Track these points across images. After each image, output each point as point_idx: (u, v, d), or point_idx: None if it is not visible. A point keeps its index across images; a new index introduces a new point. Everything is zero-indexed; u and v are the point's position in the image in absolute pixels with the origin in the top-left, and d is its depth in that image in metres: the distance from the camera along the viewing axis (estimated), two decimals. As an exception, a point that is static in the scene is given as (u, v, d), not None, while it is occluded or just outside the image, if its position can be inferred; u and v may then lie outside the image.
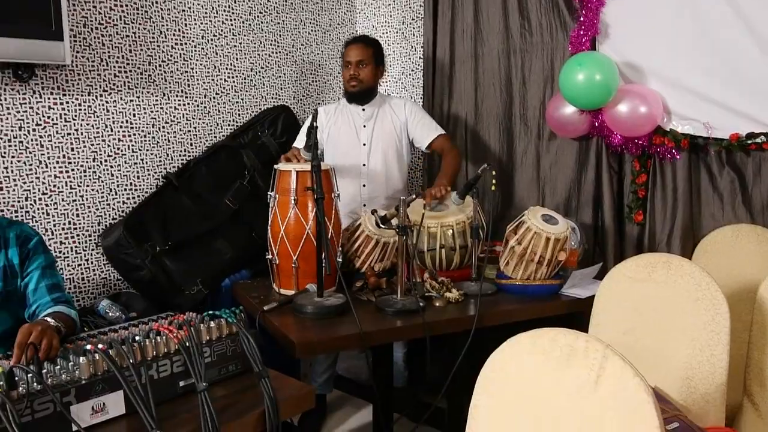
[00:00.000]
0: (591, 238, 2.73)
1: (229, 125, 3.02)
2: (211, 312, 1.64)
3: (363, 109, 2.84)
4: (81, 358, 1.35)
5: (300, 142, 2.75)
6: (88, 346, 1.39)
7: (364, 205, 2.79)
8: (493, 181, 2.26)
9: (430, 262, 2.43)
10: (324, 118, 2.84)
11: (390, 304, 2.09)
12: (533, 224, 2.23)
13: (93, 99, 2.55)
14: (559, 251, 2.23)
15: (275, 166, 2.32)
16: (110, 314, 2.33)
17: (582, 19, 2.61)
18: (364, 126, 2.84)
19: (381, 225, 2.27)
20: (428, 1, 3.21)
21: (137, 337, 1.46)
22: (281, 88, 3.25)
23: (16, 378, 1.26)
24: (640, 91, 2.50)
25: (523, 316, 2.15)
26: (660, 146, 2.49)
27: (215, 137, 2.96)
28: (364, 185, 2.84)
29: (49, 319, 1.58)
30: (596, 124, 2.59)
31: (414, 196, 2.24)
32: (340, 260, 2.33)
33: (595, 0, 2.55)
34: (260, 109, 3.12)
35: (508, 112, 3.01)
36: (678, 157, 2.49)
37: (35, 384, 1.26)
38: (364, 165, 2.82)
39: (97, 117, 2.57)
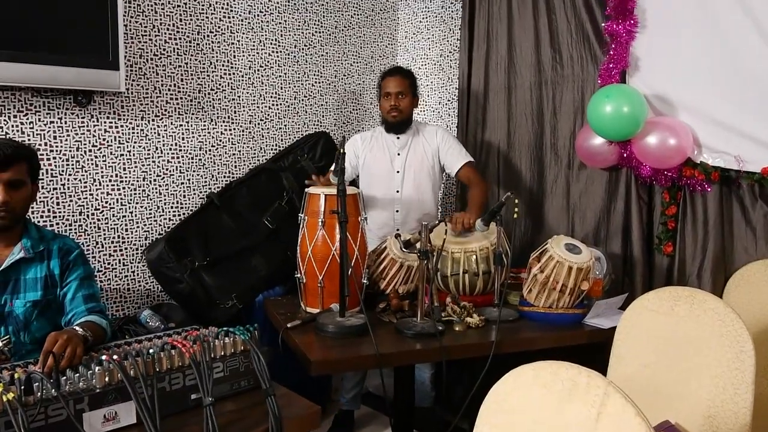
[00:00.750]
0: (620, 268, 2.64)
1: (271, 149, 3.06)
2: (226, 328, 1.64)
3: (398, 138, 2.84)
4: (96, 368, 1.36)
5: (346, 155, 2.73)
6: (104, 357, 1.40)
7: (398, 230, 2.77)
8: (516, 210, 2.22)
9: (453, 286, 2.39)
10: (360, 145, 2.85)
11: (409, 326, 2.06)
12: (556, 253, 2.18)
13: (145, 123, 2.63)
14: (582, 280, 2.17)
15: (306, 190, 2.34)
16: (150, 324, 2.37)
17: (612, 52, 2.55)
18: (398, 154, 2.84)
19: (405, 249, 2.26)
20: (464, 34, 3.20)
21: (151, 350, 1.46)
22: (323, 116, 3.28)
23: (36, 384, 1.28)
24: (669, 123, 2.41)
25: (543, 344, 2.11)
26: (690, 178, 2.40)
27: (258, 160, 3.01)
28: (397, 211, 2.83)
29: (77, 328, 1.60)
30: (625, 155, 2.52)
31: (437, 222, 2.23)
32: (366, 282, 2.32)
33: (625, 34, 2.49)
34: (302, 135, 3.15)
35: (539, 142, 2.96)
36: (709, 189, 2.39)
37: (52, 390, 1.27)
38: (397, 192, 2.82)
39: (149, 140, 2.65)
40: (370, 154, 2.84)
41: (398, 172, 2.82)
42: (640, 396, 1.63)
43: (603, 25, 2.62)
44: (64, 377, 1.34)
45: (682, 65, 2.42)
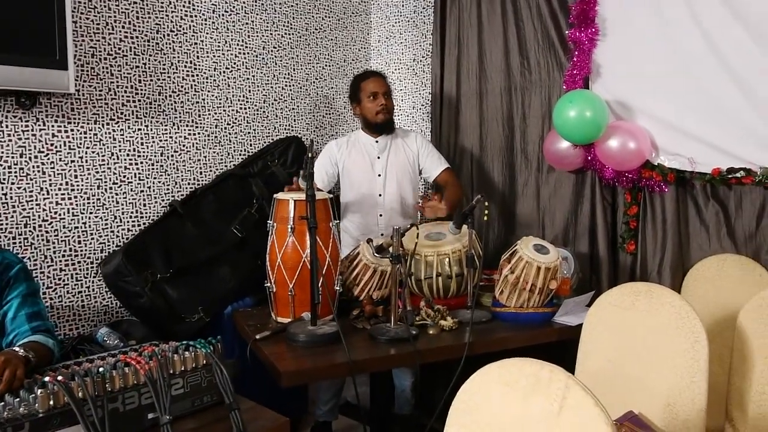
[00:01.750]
0: (587, 266, 2.80)
1: (240, 155, 3.07)
2: (186, 342, 1.65)
3: (377, 141, 2.92)
4: (39, 391, 1.33)
5: (318, 179, 2.76)
6: (47, 378, 1.37)
7: (382, 234, 2.84)
8: (486, 212, 2.31)
9: (427, 290, 2.47)
10: (336, 152, 2.91)
11: (383, 332, 2.13)
12: (525, 254, 2.29)
13: (99, 127, 2.58)
14: (551, 280, 2.28)
15: (275, 196, 2.37)
16: (108, 342, 2.29)
17: (575, 59, 2.72)
18: (378, 157, 2.92)
19: (377, 254, 2.33)
20: (437, 39, 3.33)
21: (101, 369, 1.44)
22: (294, 120, 3.32)
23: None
24: (629, 127, 2.58)
25: (516, 344, 2.21)
26: (649, 180, 2.58)
27: (226, 166, 3.02)
28: (380, 215, 2.91)
29: (17, 349, 1.58)
30: (589, 158, 2.69)
31: (408, 226, 2.30)
32: (339, 289, 2.37)
33: (587, 42, 2.67)
34: (272, 140, 3.19)
35: (510, 146, 3.12)
36: (666, 190, 2.57)
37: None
38: (380, 195, 2.90)
39: (103, 145, 2.60)
40: (349, 159, 2.91)
41: (380, 175, 2.91)
42: (606, 389, 1.81)
43: (567, 32, 2.79)
44: (2, 402, 1.32)
45: (640, 72, 2.60)
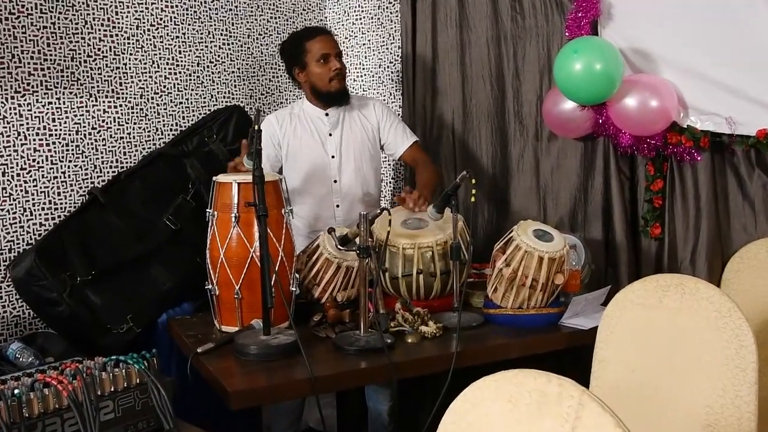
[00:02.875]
0: (601, 256, 2.76)
1: (171, 130, 3.04)
2: (115, 357, 1.63)
3: (326, 114, 2.87)
4: None
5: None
6: None
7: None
8: (473, 192, 2.28)
9: (405, 290, 2.43)
10: (278, 129, 2.85)
11: (350, 341, 2.10)
12: (523, 241, 2.24)
13: (2, 102, 2.56)
14: (556, 273, 2.24)
15: (214, 179, 2.33)
16: (21, 359, 2.28)
17: None
18: (330, 134, 2.87)
19: (341, 246, 2.27)
20: None
21: (17, 391, 1.43)
22: (234, 86, 3.28)
23: None
24: (650, 81, 2.53)
25: (514, 353, 2.19)
26: (677, 146, 2.52)
27: (154, 144, 2.99)
28: (338, 205, 2.87)
29: None
30: (600, 121, 2.63)
31: (378, 211, 2.25)
32: (295, 290, 2.34)
33: None
34: (209, 110, 3.15)
35: (500, 109, 3.07)
36: (699, 158, 2.52)
37: None
38: (335, 181, 2.86)
39: (8, 123, 2.57)
40: (294, 137, 2.86)
41: (333, 156, 2.85)
42: (628, 406, 1.79)
43: (568, -36, 2.73)
44: None
45: (664, 13, 2.53)
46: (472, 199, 2.31)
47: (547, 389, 1.22)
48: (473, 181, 2.27)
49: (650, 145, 2.56)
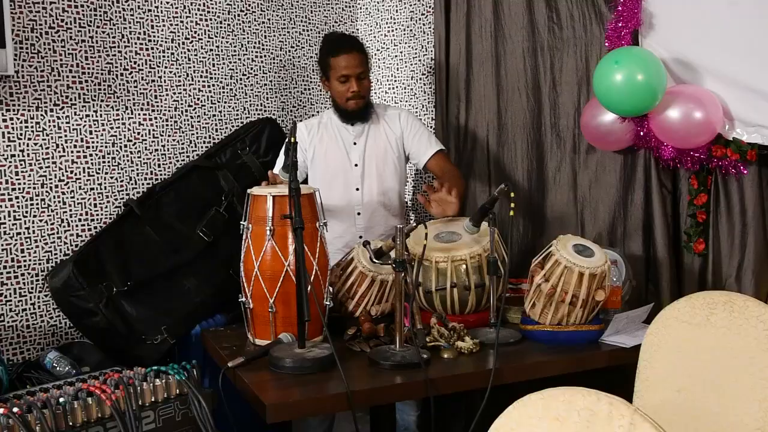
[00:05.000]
0: (642, 272, 2.70)
1: (204, 142, 3.07)
2: (156, 368, 1.64)
3: (352, 124, 2.89)
4: None
5: (280, 165, 2.79)
6: (1, 410, 1.38)
7: (360, 237, 2.81)
8: (512, 205, 2.25)
9: (439, 304, 2.42)
10: (306, 136, 2.89)
11: (385, 356, 2.08)
12: (563, 256, 2.21)
13: (42, 114, 2.62)
14: (597, 289, 2.21)
15: (249, 191, 2.34)
16: (58, 368, 2.33)
17: (620, 8, 2.62)
18: (355, 143, 2.89)
19: (376, 260, 2.27)
20: None
21: (62, 399, 1.44)
22: (267, 99, 3.31)
23: None
24: (694, 92, 2.48)
25: (553, 370, 2.16)
26: (722, 159, 2.45)
27: (188, 157, 3.02)
28: (359, 213, 2.88)
29: None
30: (641, 133, 2.58)
31: (414, 224, 2.23)
32: (329, 303, 2.34)
33: None
34: (242, 123, 3.17)
35: (536, 122, 3.02)
36: (745, 172, 2.45)
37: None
38: (357, 189, 2.87)
39: (47, 135, 2.64)
40: (320, 145, 2.88)
41: (356, 165, 2.87)
42: (674, 426, 1.80)
43: (608, -27, 2.70)
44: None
45: (709, 22, 2.48)
46: (511, 213, 2.27)
47: (597, 408, 1.20)
48: (512, 194, 2.25)
49: (694, 158, 2.51)
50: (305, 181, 2.94)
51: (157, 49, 2.90)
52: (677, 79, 2.55)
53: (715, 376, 1.85)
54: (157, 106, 2.91)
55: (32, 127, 2.58)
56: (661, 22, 2.59)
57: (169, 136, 2.95)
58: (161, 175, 2.93)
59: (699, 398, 1.86)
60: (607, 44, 2.67)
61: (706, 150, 2.47)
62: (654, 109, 2.48)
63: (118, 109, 2.80)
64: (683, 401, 1.89)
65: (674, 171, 2.66)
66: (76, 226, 2.70)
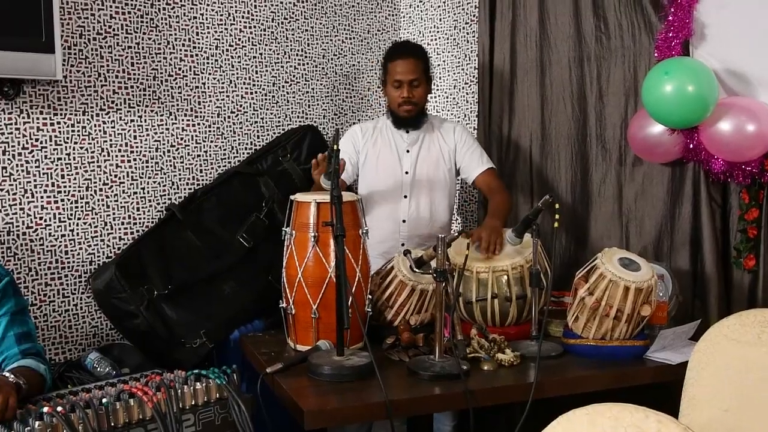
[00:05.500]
0: (689, 288, 2.68)
1: (246, 149, 3.10)
2: (197, 371, 1.66)
3: (407, 132, 2.91)
4: (36, 423, 1.37)
5: (344, 151, 2.74)
6: (46, 409, 1.40)
7: (403, 245, 2.81)
8: (556, 216, 2.23)
9: (479, 315, 2.43)
10: (361, 139, 2.91)
11: (425, 366, 2.09)
12: (608, 270, 2.21)
13: (88, 119, 2.66)
14: (643, 304, 2.21)
15: (292, 197, 2.35)
16: (99, 369, 2.35)
17: (671, 18, 2.60)
18: (408, 151, 2.89)
19: (416, 269, 2.27)
20: (484, 1, 3.26)
21: (104, 400, 1.47)
22: (309, 106, 3.32)
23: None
24: (746, 104, 2.45)
25: (596, 385, 2.17)
26: None
27: (230, 163, 3.05)
28: (404, 221, 2.88)
29: (8, 375, 1.61)
30: (691, 146, 2.56)
31: (456, 234, 2.26)
32: (369, 311, 2.35)
33: None
34: (284, 130, 3.19)
35: (582, 133, 3.01)
36: None
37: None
38: (405, 196, 2.87)
39: (93, 139, 2.68)
40: (373, 149, 2.90)
41: (407, 173, 2.87)
42: None
43: (658, -18, 2.68)
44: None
45: (762, 33, 2.46)
46: (555, 225, 2.25)
47: (645, 426, 1.19)
48: (557, 205, 2.24)
49: (745, 172, 2.47)
50: (355, 183, 2.96)
51: (202, 55, 2.93)
52: (729, 91, 2.53)
53: (764, 397, 1.81)
54: (201, 112, 2.94)
55: (78, 131, 2.62)
56: (714, 32, 2.58)
57: (211, 141, 2.98)
58: (203, 180, 2.95)
59: (746, 419, 1.83)
60: (656, 54, 2.65)
61: (759, 163, 2.44)
62: (705, 121, 2.46)
63: (162, 115, 2.84)
64: (730, 421, 1.85)
65: (724, 185, 2.64)
66: (119, 229, 2.74)
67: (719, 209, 2.65)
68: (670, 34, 2.59)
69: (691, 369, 1.95)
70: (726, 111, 2.45)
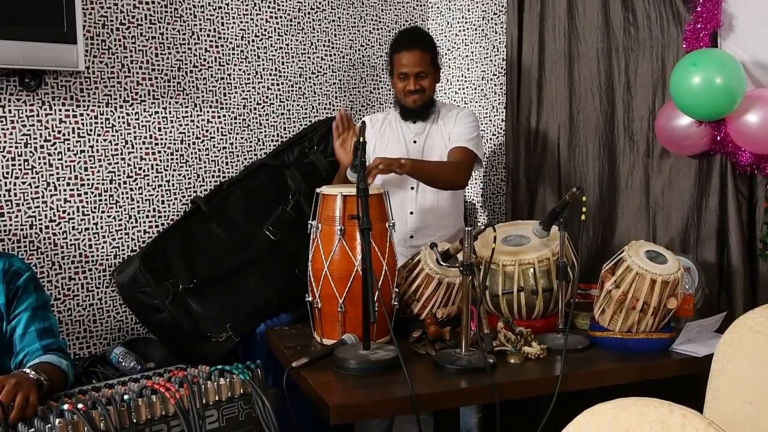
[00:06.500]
0: (715, 280, 2.69)
1: (272, 141, 3.12)
2: (221, 367, 1.66)
3: (414, 122, 2.93)
4: (57, 420, 1.38)
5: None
6: (66, 406, 1.41)
7: (411, 237, 2.87)
8: (584, 209, 2.24)
9: (506, 308, 2.43)
10: (370, 130, 2.91)
11: (451, 360, 2.10)
12: (635, 263, 2.21)
13: (111, 111, 2.67)
14: (669, 297, 2.21)
15: (318, 190, 2.36)
16: (123, 364, 2.37)
17: (699, 9, 2.60)
18: (415, 141, 2.91)
19: (443, 262, 2.28)
20: None
21: (126, 396, 1.47)
22: (336, 97, 3.33)
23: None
24: None
25: (622, 378, 2.16)
26: None
27: (256, 155, 3.07)
28: (411, 212, 2.90)
29: (28, 371, 1.63)
30: (719, 138, 2.56)
31: (482, 227, 2.24)
32: (396, 304, 2.37)
33: None
34: (310, 121, 3.20)
35: (609, 125, 3.02)
36: None
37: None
38: (412, 188, 2.89)
39: (116, 131, 2.69)
40: (381, 140, 2.94)
41: None
42: None
43: (687, -27, 2.66)
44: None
45: None
46: (582, 218, 2.25)
47: (670, 420, 1.19)
48: (584, 198, 2.25)
49: (773, 165, 2.48)
50: None
51: (227, 46, 2.94)
52: (757, 83, 2.52)
53: (790, 390, 1.83)
54: (226, 103, 2.95)
55: (102, 123, 2.63)
56: (742, 23, 2.56)
57: (237, 133, 3.00)
58: (229, 172, 2.97)
59: (773, 412, 1.85)
60: (684, 46, 2.65)
61: (787, 156, 2.44)
62: (732, 113, 2.46)
63: (187, 107, 2.84)
64: (756, 414, 1.83)
65: (751, 177, 2.64)
66: (144, 222, 2.76)
67: (746, 202, 2.65)
68: (699, 26, 2.59)
69: (717, 361, 1.94)
70: (753, 103, 2.44)
